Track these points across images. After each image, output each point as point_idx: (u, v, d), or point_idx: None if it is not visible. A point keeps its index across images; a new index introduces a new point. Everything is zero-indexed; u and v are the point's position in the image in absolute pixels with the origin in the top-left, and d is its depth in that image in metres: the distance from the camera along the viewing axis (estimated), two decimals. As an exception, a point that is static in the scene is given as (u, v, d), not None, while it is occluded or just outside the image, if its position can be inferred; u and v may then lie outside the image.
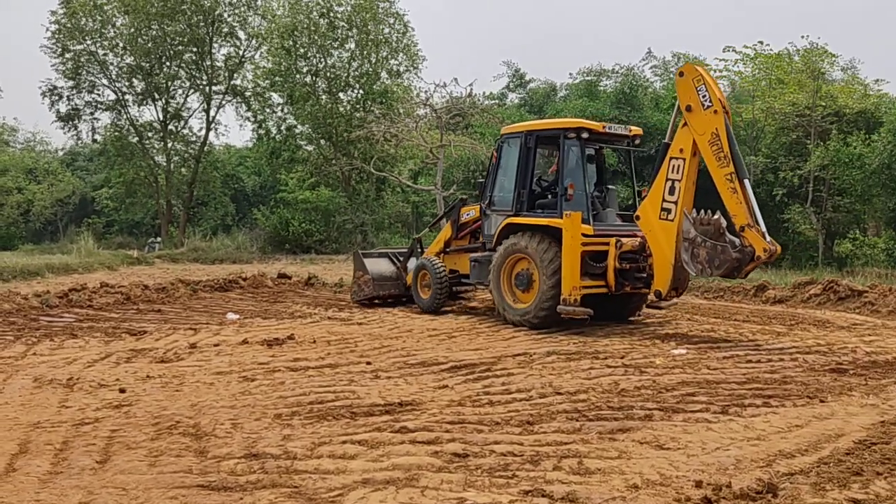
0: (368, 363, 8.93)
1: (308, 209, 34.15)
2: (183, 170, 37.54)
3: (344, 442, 5.81)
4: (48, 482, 5.03)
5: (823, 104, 24.75)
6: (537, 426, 6.29)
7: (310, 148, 35.21)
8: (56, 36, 34.14)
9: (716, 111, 10.61)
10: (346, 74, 32.99)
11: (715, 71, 27.93)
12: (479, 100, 29.70)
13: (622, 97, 28.89)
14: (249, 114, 35.96)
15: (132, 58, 34.60)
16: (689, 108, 10.86)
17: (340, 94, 33.33)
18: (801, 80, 25.55)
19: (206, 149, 37.18)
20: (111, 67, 35.28)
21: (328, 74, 32.81)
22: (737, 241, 10.32)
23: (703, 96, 10.69)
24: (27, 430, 6.18)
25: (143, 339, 10.60)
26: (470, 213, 13.69)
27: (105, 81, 35.64)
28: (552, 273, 11.43)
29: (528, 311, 11.78)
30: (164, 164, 36.77)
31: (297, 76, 32.73)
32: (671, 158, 11.07)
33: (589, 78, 34.85)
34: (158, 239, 35.88)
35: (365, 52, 32.71)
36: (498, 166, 13.01)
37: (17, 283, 17.44)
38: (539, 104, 38.36)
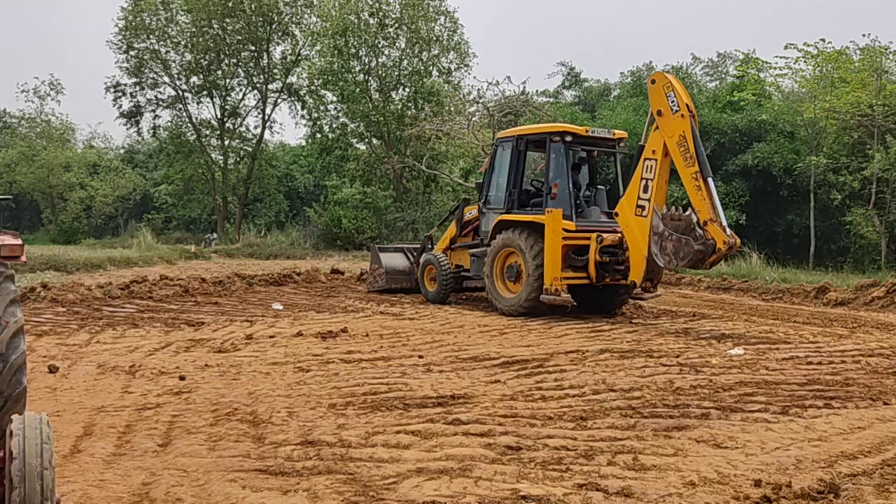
0: (420, 357, 8.98)
1: (359, 206, 34.44)
2: (240, 166, 38.19)
3: (398, 432, 5.86)
4: (112, 463, 5.18)
5: (885, 103, 23.98)
6: (591, 422, 6.25)
7: (361, 146, 35.49)
8: (123, 33, 35.05)
9: (683, 115, 11.50)
10: (396, 73, 33.16)
11: (775, 68, 27.30)
12: (532, 97, 29.52)
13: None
14: (304, 112, 36.42)
15: (191, 55, 35.34)
16: (659, 113, 11.82)
17: (392, 93, 33.51)
18: (864, 78, 24.79)
19: (261, 146, 37.76)
20: (172, 65, 36.10)
21: (379, 73, 33.02)
22: (701, 234, 11.12)
23: (672, 102, 11.61)
24: (91, 414, 6.37)
25: (201, 330, 10.83)
26: (472, 211, 14.72)
27: (166, 79, 36.49)
28: (536, 265, 12.49)
29: (516, 300, 12.86)
30: (221, 161, 37.46)
31: (349, 75, 33.01)
32: (645, 159, 12.03)
33: (639, 77, 34.41)
34: (215, 235, 36.59)
35: (415, 51, 32.82)
36: (493, 168, 14.11)
37: (81, 275, 17.97)
38: (593, 103, 38.02)
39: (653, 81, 12.12)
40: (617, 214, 12.43)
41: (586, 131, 13.38)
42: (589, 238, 12.60)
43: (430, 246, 15.72)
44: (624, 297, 13.40)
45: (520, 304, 12.76)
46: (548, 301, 12.47)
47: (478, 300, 15.18)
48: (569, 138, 12.95)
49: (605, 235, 12.56)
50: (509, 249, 13.10)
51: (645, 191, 11.90)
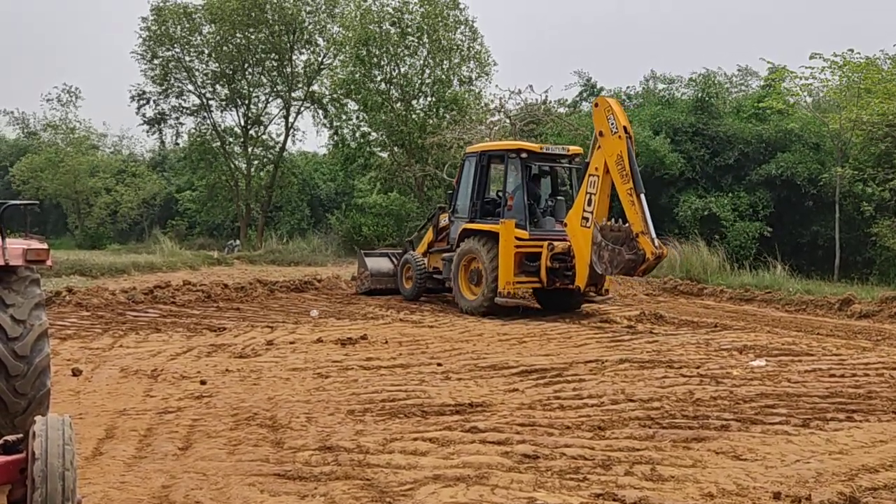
0: (439, 364, 9.00)
1: (381, 214, 34.52)
2: (262, 173, 38.47)
3: (415, 439, 5.88)
4: (133, 466, 5.25)
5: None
6: (609, 431, 6.23)
7: (384, 155, 35.61)
8: (147, 42, 35.48)
9: (620, 136, 12.56)
10: (418, 82, 33.28)
11: (800, 78, 27.03)
12: (553, 107, 29.48)
13: (699, 105, 28.29)
14: (326, 120, 36.62)
15: (216, 64, 35.71)
16: (601, 134, 12.92)
17: (413, 102, 33.60)
18: (889, 88, 24.46)
19: (283, 154, 38.03)
20: (197, 74, 36.47)
21: (401, 82, 33.15)
22: (634, 244, 12.19)
23: (612, 124, 12.68)
24: (114, 417, 6.46)
25: (222, 335, 10.93)
26: (446, 219, 15.83)
27: (191, 87, 36.86)
28: (493, 270, 13.59)
29: (477, 301, 13.95)
30: (245, 168, 37.76)
31: (371, 85, 33.16)
32: (589, 175, 13.19)
33: (662, 85, 34.15)
34: (237, 241, 36.85)
35: (437, 60, 32.90)
36: (460, 180, 15.28)
37: (106, 279, 18.17)
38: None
39: (596, 105, 13.24)
40: (566, 224, 13.52)
41: (541, 148, 14.53)
42: (541, 246, 13.64)
43: (411, 250, 16.62)
44: (579, 299, 14.32)
45: (479, 306, 13.86)
46: (501, 303, 13.54)
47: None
48: (524, 155, 14.12)
49: (555, 243, 13.60)
50: (471, 255, 14.18)
51: (589, 204, 13.01)
